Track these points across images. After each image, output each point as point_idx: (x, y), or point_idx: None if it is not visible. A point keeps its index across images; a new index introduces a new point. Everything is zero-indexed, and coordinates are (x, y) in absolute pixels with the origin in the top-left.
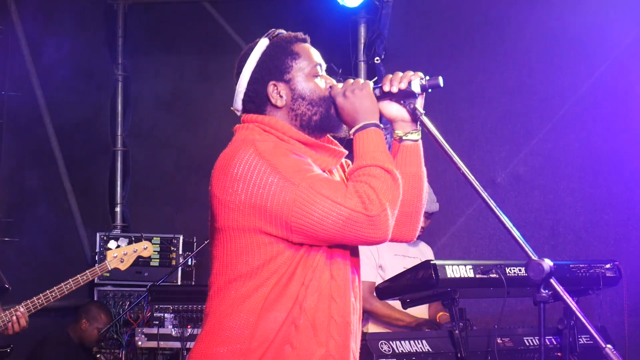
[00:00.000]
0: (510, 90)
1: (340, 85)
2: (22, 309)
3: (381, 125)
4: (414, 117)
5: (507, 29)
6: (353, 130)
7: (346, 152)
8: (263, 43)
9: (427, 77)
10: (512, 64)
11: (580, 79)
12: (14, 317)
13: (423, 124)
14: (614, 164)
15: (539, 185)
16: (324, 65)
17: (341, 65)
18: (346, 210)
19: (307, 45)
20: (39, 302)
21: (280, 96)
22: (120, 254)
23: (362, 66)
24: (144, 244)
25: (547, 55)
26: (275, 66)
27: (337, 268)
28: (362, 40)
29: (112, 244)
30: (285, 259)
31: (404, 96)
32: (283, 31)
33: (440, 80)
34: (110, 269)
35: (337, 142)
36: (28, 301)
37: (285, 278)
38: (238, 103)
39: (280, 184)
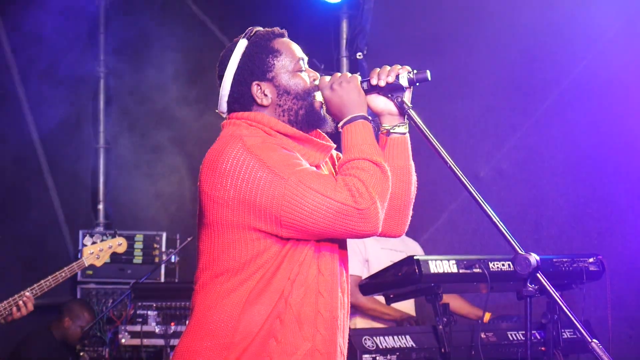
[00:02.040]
0: (493, 85)
1: (328, 78)
2: (28, 293)
3: (369, 117)
4: (402, 111)
5: (490, 23)
6: (341, 123)
7: (334, 145)
8: (242, 44)
9: (415, 71)
10: (494, 58)
11: (563, 73)
12: (21, 302)
13: (410, 118)
14: (597, 158)
15: (522, 180)
16: (306, 59)
17: (324, 61)
18: (336, 204)
19: (287, 40)
20: (20, 300)
21: (265, 95)
22: (96, 250)
23: (345, 62)
24: (119, 240)
25: (529, 49)
26: (257, 66)
27: (324, 262)
28: (345, 36)
29: (87, 240)
30: (272, 254)
31: (392, 90)
32: (260, 28)
33: (428, 74)
34: (86, 265)
35: (325, 136)
36: (15, 296)
37: (270, 272)
38: (223, 106)
39: (269, 178)
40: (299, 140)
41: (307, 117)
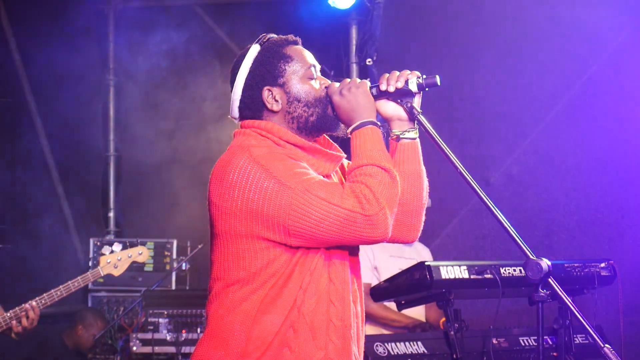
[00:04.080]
0: (503, 90)
1: (337, 84)
2: (33, 303)
3: (378, 123)
4: (411, 116)
5: (499, 29)
6: (350, 129)
7: (344, 155)
8: (254, 49)
9: (424, 76)
10: (505, 63)
11: (573, 78)
12: (23, 313)
13: (420, 123)
14: (607, 163)
15: (533, 185)
16: (318, 67)
17: (333, 67)
18: (343, 211)
19: (299, 47)
20: (21, 312)
21: (276, 100)
22: (114, 259)
23: (354, 68)
24: (139, 249)
25: (539, 54)
26: (268, 71)
27: (335, 271)
28: (354, 42)
29: (105, 249)
30: (282, 263)
31: (401, 95)
32: (274, 35)
33: (438, 78)
34: (102, 274)
35: (336, 146)
36: (17, 308)
37: (282, 281)
38: (234, 111)
39: (276, 188)
40: (309, 150)
41: (317, 124)
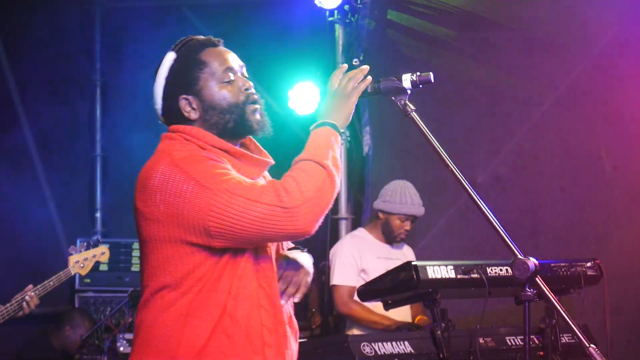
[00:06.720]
0: (489, 91)
1: (341, 75)
2: (31, 292)
3: (341, 130)
4: (405, 113)
5: (487, 30)
6: (312, 126)
7: (272, 162)
8: (169, 57)
9: (418, 73)
10: (491, 64)
11: (560, 79)
12: (24, 304)
13: (413, 121)
14: (593, 163)
15: (520, 185)
16: (239, 68)
17: (320, 68)
18: (261, 206)
19: (218, 49)
20: (8, 311)
21: (193, 109)
22: (80, 259)
23: None
24: (101, 249)
25: (525, 55)
26: (184, 79)
27: (264, 276)
28: (340, 42)
29: (72, 249)
30: (208, 268)
31: (395, 92)
32: (198, 38)
33: (431, 75)
34: (72, 274)
35: (265, 152)
36: (13, 300)
37: (209, 286)
38: (161, 118)
39: (196, 190)
40: (235, 154)
41: (235, 130)
